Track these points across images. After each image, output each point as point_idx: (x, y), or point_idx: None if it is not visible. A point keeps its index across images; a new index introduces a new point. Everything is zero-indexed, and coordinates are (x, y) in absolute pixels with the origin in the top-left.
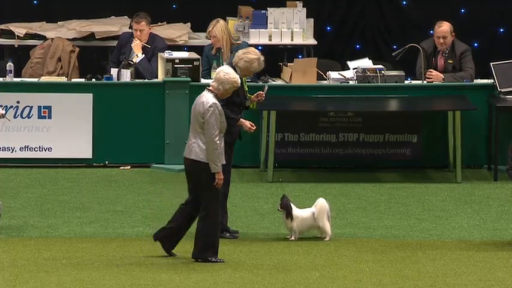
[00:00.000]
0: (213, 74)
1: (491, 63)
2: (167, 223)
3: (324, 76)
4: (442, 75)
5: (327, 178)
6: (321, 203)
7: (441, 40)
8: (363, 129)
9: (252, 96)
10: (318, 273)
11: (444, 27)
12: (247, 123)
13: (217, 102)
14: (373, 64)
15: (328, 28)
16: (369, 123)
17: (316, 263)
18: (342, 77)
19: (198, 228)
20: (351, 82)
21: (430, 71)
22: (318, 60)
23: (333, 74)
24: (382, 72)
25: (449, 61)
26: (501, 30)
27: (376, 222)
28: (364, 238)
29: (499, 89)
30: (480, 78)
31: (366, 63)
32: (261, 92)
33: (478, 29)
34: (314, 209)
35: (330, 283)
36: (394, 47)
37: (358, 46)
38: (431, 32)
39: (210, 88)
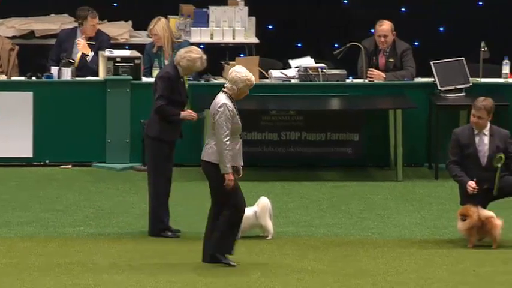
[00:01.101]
0: (154, 73)
1: (431, 62)
2: (212, 240)
3: (266, 75)
4: (383, 74)
5: (269, 177)
6: (263, 201)
7: (382, 39)
8: (304, 128)
9: (186, 112)
10: (260, 272)
11: (385, 26)
12: (187, 114)
13: (228, 103)
14: (315, 63)
15: (270, 27)
16: (310, 122)
17: (258, 262)
18: (284, 76)
19: (218, 227)
20: (292, 81)
21: (371, 70)
22: (259, 59)
23: (275, 73)
24: (324, 70)
25: (390, 60)
26: (441, 29)
27: (318, 220)
28: (306, 236)
29: (439, 88)
30: (421, 77)
31: (307, 61)
32: (195, 114)
33: (418, 28)
34: (256, 207)
35: (272, 282)
36: (336, 45)
37: (299, 45)
38: (372, 30)
39: (225, 89)
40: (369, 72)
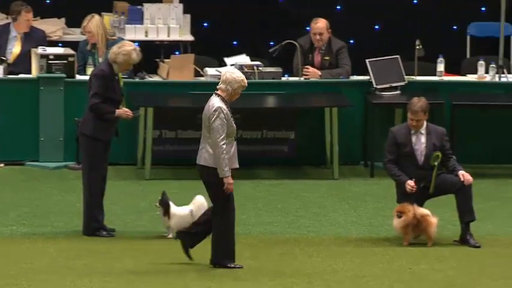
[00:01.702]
0: (89, 70)
1: (367, 60)
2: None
3: (201, 72)
4: (318, 71)
5: None
6: (199, 200)
7: (317, 37)
8: (240, 126)
9: (121, 110)
10: (196, 272)
11: (320, 24)
12: (122, 112)
13: (222, 105)
14: (250, 60)
15: (205, 24)
16: (246, 120)
17: (193, 261)
18: (219, 74)
19: (214, 234)
20: None
21: (306, 68)
22: (195, 57)
23: (210, 71)
24: (260, 68)
25: (325, 58)
26: (376, 27)
27: (254, 219)
28: (242, 235)
29: (374, 86)
30: (356, 75)
31: (243, 59)
32: (131, 112)
33: (354, 25)
34: (192, 206)
35: (208, 281)
36: (271, 43)
37: (235, 42)
38: (308, 28)
39: (218, 92)
40: (304, 70)
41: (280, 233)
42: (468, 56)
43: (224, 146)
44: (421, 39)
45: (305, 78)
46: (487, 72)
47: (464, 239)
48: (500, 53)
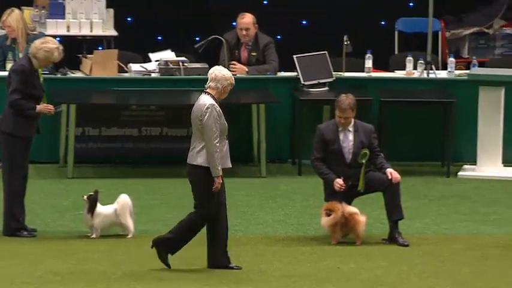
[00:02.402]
0: (8, 66)
1: (294, 56)
2: (168, 232)
3: (125, 68)
4: (245, 67)
5: (130, 173)
6: (123, 199)
7: (244, 32)
8: (166, 123)
9: (42, 105)
10: (120, 271)
11: (247, 19)
12: (43, 108)
13: (214, 103)
14: (176, 56)
15: (129, 19)
16: (172, 117)
17: (118, 261)
18: (144, 70)
19: (184, 225)
20: (153, 75)
21: (233, 64)
22: (118, 52)
23: (135, 66)
24: (185, 64)
25: (252, 53)
26: (304, 22)
27: (179, 218)
28: None
29: (302, 82)
30: (284, 71)
31: (168, 55)
32: (52, 107)
33: (281, 21)
34: (116, 205)
35: (133, 281)
36: (197, 38)
37: (160, 38)
38: (234, 23)
39: (207, 90)
40: (231, 66)
41: (205, 233)
42: (396, 52)
43: (218, 145)
44: (349, 34)
45: (232, 74)
46: (415, 68)
47: (392, 238)
48: (428, 48)
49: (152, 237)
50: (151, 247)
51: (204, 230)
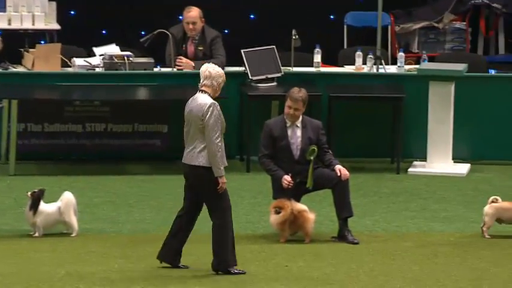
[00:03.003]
0: None
1: (242, 51)
2: (166, 238)
3: (69, 63)
4: (192, 62)
5: (73, 170)
6: (67, 197)
7: (190, 26)
8: (110, 119)
9: None
10: (64, 270)
11: (193, 13)
12: None
13: (215, 102)
14: (121, 50)
15: (72, 12)
16: (116, 113)
17: (62, 260)
18: (88, 64)
19: (214, 238)
20: (97, 69)
21: (180, 58)
22: (62, 46)
23: (78, 61)
24: (130, 59)
25: (199, 48)
26: (252, 16)
27: (125, 216)
28: (112, 233)
29: (250, 77)
30: (231, 66)
31: (112, 49)
32: None
33: (228, 15)
34: (60, 203)
35: (77, 281)
36: (143, 32)
37: (104, 31)
38: (181, 17)
39: (203, 89)
40: (177, 60)
41: (153, 231)
42: (345, 46)
43: (220, 144)
44: (297, 29)
45: (178, 69)
46: (364, 63)
47: (342, 236)
48: (377, 43)
49: (97, 235)
50: (216, 273)
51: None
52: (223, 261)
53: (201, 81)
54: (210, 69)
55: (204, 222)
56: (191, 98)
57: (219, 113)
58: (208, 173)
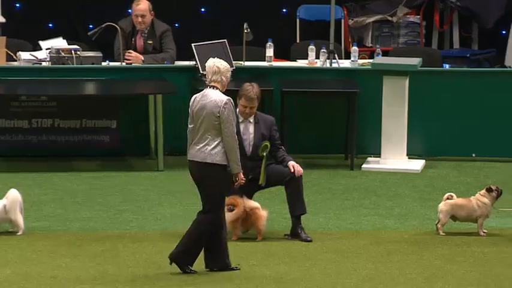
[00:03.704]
0: None
1: (192, 45)
2: (180, 244)
3: (14, 57)
4: (141, 56)
5: (20, 167)
6: (13, 194)
7: (139, 19)
8: (57, 115)
9: None
10: (10, 270)
11: (142, 6)
12: None
13: (230, 98)
14: (68, 44)
15: (18, 5)
16: (64, 108)
17: (8, 259)
18: (34, 58)
19: (195, 233)
20: (43, 63)
21: (128, 52)
22: (6, 40)
23: (24, 55)
24: (78, 53)
25: (148, 41)
26: (203, 10)
27: (73, 214)
28: (60, 231)
29: (201, 72)
30: (182, 60)
31: (59, 43)
32: None
33: (178, 8)
34: (5, 201)
35: (23, 280)
36: (91, 26)
37: (51, 25)
38: (130, 10)
39: (213, 84)
40: (126, 54)
41: (101, 229)
42: (298, 40)
43: (237, 140)
44: (249, 22)
45: (127, 64)
46: (317, 57)
47: (295, 233)
48: (331, 37)
49: (44, 234)
50: (170, 263)
51: None
52: (185, 254)
53: (209, 77)
54: (218, 64)
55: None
56: (200, 95)
57: (234, 108)
58: (223, 171)
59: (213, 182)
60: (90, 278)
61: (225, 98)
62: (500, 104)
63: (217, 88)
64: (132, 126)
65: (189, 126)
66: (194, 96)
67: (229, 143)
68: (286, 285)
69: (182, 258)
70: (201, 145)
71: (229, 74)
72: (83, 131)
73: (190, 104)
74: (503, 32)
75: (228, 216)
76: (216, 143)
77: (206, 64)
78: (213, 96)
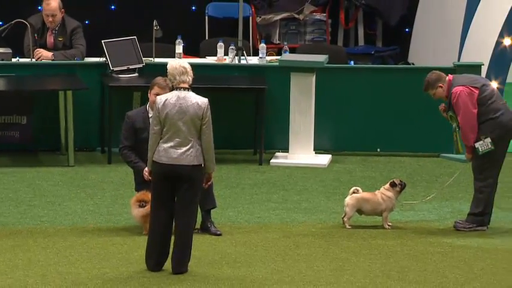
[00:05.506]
0: None
1: (102, 41)
2: (174, 252)
3: None
4: (51, 53)
5: None
6: None
7: (50, 18)
8: None
9: None
10: None
11: (53, 4)
12: None
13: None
14: None
15: None
16: None
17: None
18: None
19: (183, 238)
20: None
21: (38, 51)
22: None
23: None
24: None
25: (59, 38)
26: (113, 7)
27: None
28: None
29: (111, 68)
30: (92, 57)
31: None
32: None
33: (89, 5)
34: None
35: None
36: (0, 23)
37: None
38: (41, 8)
39: (184, 86)
40: (36, 51)
41: (12, 224)
42: (207, 37)
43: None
44: (158, 19)
45: (37, 60)
46: (226, 54)
47: (205, 227)
48: (239, 34)
49: None
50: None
51: None
52: (186, 260)
53: (176, 78)
54: (184, 65)
55: None
56: (173, 97)
57: None
58: (201, 172)
59: (199, 183)
60: (0, 273)
61: (205, 99)
62: (404, 99)
63: (189, 89)
64: (43, 122)
65: (155, 128)
66: (162, 98)
67: (209, 142)
68: (196, 278)
69: (185, 265)
70: (185, 148)
71: (192, 72)
72: None
73: (159, 106)
74: (407, 30)
75: (138, 211)
76: (198, 144)
77: (168, 66)
78: (192, 99)
